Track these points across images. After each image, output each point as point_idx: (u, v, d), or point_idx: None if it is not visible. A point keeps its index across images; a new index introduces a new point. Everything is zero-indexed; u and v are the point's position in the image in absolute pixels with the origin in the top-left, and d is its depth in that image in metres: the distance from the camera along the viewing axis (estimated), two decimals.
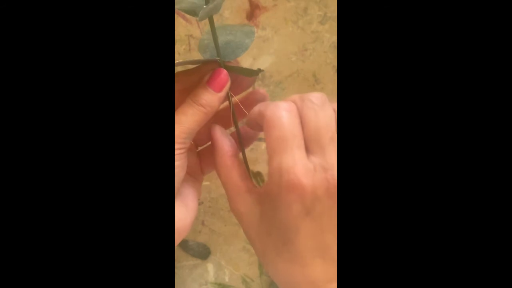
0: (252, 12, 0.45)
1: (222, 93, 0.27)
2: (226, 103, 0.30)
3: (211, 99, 0.27)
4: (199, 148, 0.32)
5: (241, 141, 0.30)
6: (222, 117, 0.30)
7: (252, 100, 0.30)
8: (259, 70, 0.27)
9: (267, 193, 0.25)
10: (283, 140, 0.24)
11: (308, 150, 0.24)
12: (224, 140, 0.28)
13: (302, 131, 0.25)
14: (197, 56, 0.46)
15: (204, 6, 0.24)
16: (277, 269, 0.26)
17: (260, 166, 0.48)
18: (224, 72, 0.27)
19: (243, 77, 0.29)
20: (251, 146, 0.46)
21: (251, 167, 0.48)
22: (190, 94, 0.27)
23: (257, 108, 0.27)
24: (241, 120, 0.30)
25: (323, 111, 0.25)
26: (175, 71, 0.28)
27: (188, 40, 0.46)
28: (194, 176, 0.31)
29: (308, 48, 0.46)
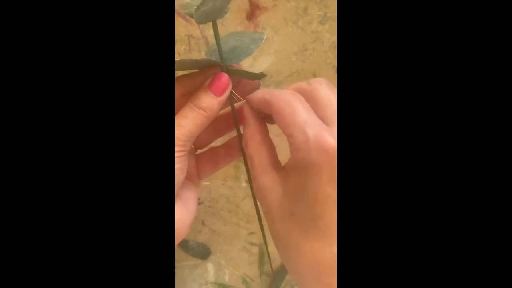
0: (252, 12, 0.45)
1: (223, 97, 0.27)
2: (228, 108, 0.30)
3: (211, 103, 0.27)
4: (198, 151, 0.32)
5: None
6: (224, 120, 0.31)
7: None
8: (262, 74, 0.27)
9: (294, 166, 0.25)
10: (296, 112, 0.24)
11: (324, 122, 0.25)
12: (255, 117, 0.28)
13: (312, 109, 0.25)
14: (197, 56, 0.46)
15: (195, 7, 0.24)
16: (298, 253, 0.24)
17: None
18: (225, 76, 0.27)
19: (246, 82, 0.29)
20: None
21: None
22: (191, 98, 0.27)
23: (260, 95, 0.27)
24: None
25: (331, 89, 0.26)
26: (177, 73, 0.28)
27: (188, 40, 0.46)
28: (191, 179, 0.31)
29: (308, 48, 0.46)
